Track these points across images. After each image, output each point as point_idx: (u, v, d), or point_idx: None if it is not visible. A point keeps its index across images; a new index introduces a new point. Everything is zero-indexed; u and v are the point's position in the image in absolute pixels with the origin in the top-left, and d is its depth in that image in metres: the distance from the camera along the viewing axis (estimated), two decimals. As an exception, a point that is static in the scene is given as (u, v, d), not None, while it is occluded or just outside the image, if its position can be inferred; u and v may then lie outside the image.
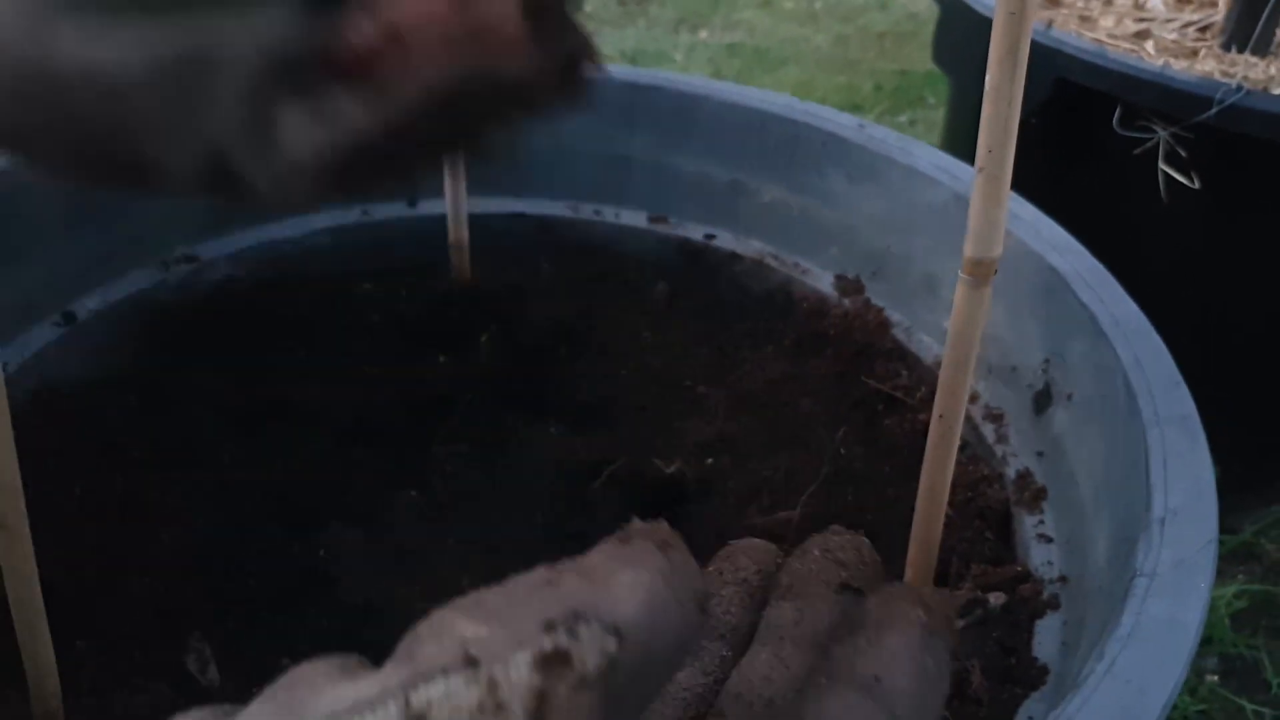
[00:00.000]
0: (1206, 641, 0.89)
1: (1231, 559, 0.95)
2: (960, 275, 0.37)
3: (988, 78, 0.32)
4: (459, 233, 0.64)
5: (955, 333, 0.38)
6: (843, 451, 0.62)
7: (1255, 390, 0.90)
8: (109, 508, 0.56)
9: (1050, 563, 0.48)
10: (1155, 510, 0.39)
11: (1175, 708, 0.83)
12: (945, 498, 0.43)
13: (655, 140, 0.66)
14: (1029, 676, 0.44)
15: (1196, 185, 0.76)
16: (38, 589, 0.36)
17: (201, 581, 0.56)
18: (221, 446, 0.60)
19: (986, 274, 0.37)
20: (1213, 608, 0.90)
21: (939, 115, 1.41)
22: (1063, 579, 0.47)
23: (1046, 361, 0.53)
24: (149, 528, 0.56)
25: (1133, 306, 0.49)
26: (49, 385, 0.58)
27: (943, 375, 0.40)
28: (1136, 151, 0.78)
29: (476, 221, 0.66)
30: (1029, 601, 0.47)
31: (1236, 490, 0.97)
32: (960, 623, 0.46)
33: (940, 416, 0.41)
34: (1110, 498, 0.44)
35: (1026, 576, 0.48)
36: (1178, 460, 0.41)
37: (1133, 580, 0.36)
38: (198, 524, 0.57)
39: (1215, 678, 0.87)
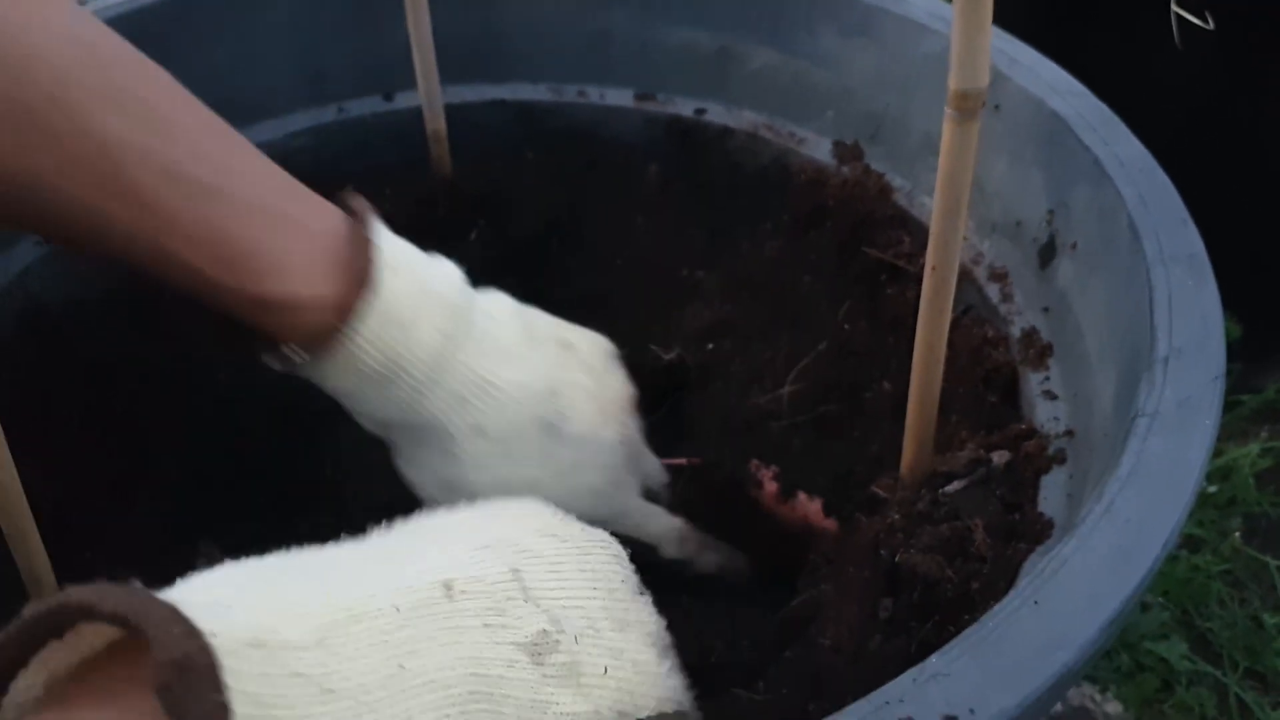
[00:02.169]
0: (1230, 501, 0.88)
1: (1255, 418, 0.93)
2: (947, 111, 0.35)
3: (960, -116, 0.30)
4: (436, 123, 0.62)
5: (945, 175, 0.36)
6: (846, 327, 0.61)
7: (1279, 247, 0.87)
8: (108, 428, 0.56)
9: (1056, 419, 0.47)
10: (1159, 350, 0.37)
11: (1198, 568, 0.83)
12: (942, 355, 0.42)
13: (637, 9, 0.63)
14: (1034, 531, 0.43)
15: (1211, 26, 0.72)
16: (20, 494, 0.36)
17: (208, 497, 0.56)
18: (216, 363, 0.59)
19: (975, 107, 0.35)
20: (1236, 468, 0.89)
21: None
22: (1069, 433, 0.46)
23: (1050, 212, 0.50)
24: (150, 447, 0.56)
25: (1138, 146, 0.47)
26: (36, 306, 0.58)
27: (934, 225, 0.38)
28: (1148, -5, 0.74)
29: (455, 112, 0.64)
30: (1034, 458, 0.46)
31: (1260, 349, 0.94)
32: (961, 483, 0.45)
33: (934, 269, 0.39)
34: (1117, 343, 0.43)
35: (1031, 434, 0.47)
36: (1183, 298, 0.39)
37: (1134, 421, 0.35)
38: (199, 442, 0.57)
39: (1239, 536, 0.86)
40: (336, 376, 0.44)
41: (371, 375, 0.43)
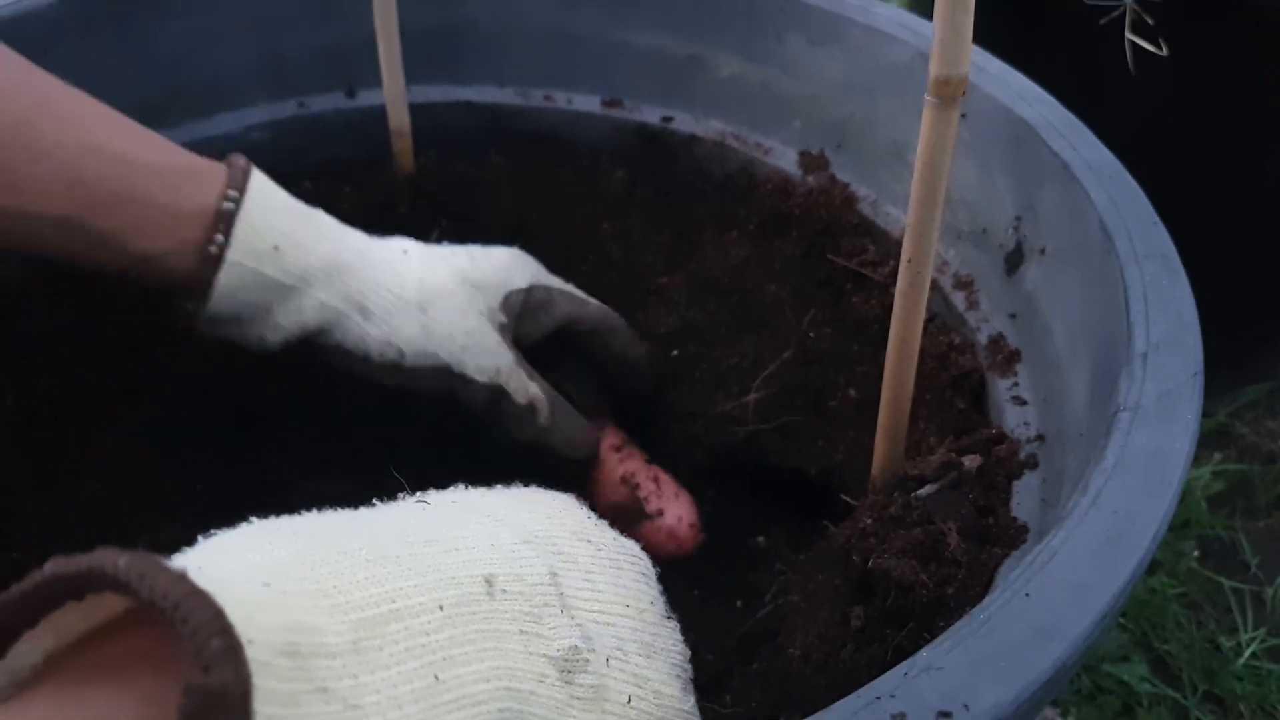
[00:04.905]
0: (1184, 524, 0.89)
1: (1206, 442, 0.95)
2: (927, 99, 0.35)
3: None
4: (399, 118, 0.60)
5: (923, 164, 0.36)
6: (811, 334, 0.60)
7: (1228, 272, 0.88)
8: (43, 411, 0.53)
9: (1026, 424, 0.47)
10: (1137, 345, 0.37)
11: (1155, 590, 0.83)
12: (916, 351, 0.41)
13: (605, 13, 0.63)
14: (1008, 536, 0.42)
15: (1165, 53, 0.73)
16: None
17: (147, 485, 0.53)
18: (160, 347, 0.57)
19: (955, 94, 0.34)
20: (1189, 490, 0.90)
21: None
22: (1040, 438, 0.45)
23: (1018, 219, 0.50)
24: (87, 430, 0.53)
25: (1106, 152, 0.47)
26: (-30, 289, 0.55)
27: (911, 215, 0.38)
28: (1103, 21, 0.75)
29: (420, 111, 0.62)
30: (1005, 462, 0.45)
31: (1210, 373, 0.96)
32: (933, 486, 0.44)
33: (909, 261, 0.38)
34: (1089, 343, 0.42)
35: (1002, 438, 0.46)
36: (1159, 295, 0.39)
37: (1116, 415, 0.35)
38: (139, 427, 0.54)
39: (1195, 558, 0.87)
40: (244, 270, 0.46)
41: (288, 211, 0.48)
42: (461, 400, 0.52)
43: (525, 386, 0.52)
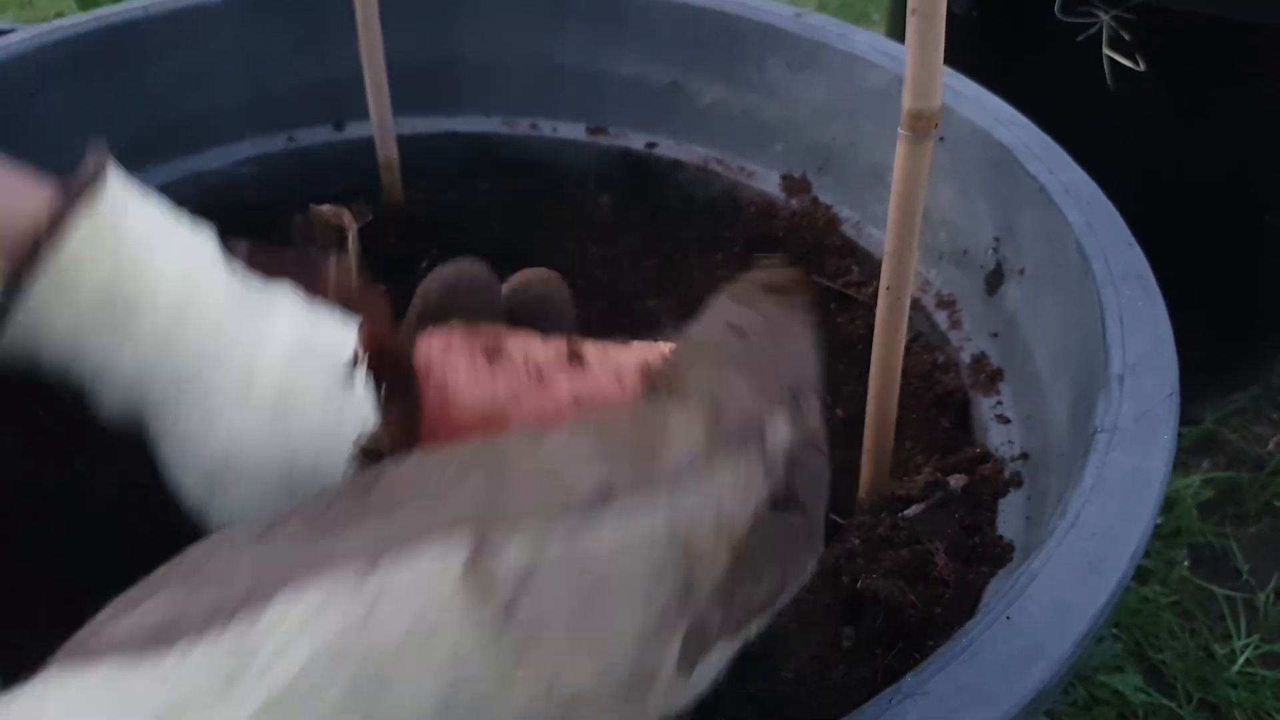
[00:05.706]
0: (1175, 532, 0.89)
1: (1194, 450, 0.95)
2: (900, 132, 0.35)
3: (915, -97, 0.30)
4: (388, 150, 0.61)
5: (899, 194, 0.36)
6: (798, 355, 0.61)
7: (1213, 280, 0.89)
8: (31, 449, 0.54)
9: (1010, 442, 0.47)
10: (1114, 367, 0.38)
11: (1147, 599, 0.84)
12: (898, 375, 0.42)
13: (588, 43, 0.64)
14: (994, 554, 0.43)
15: (1142, 68, 0.74)
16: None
17: (134, 525, 0.53)
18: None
19: (928, 127, 0.35)
20: (1179, 498, 0.90)
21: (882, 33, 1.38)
22: (1024, 456, 0.46)
23: (997, 240, 0.51)
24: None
25: (1082, 174, 0.48)
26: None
27: (889, 243, 0.38)
28: (1080, 38, 0.76)
29: (408, 143, 0.63)
30: (990, 481, 0.46)
31: (1196, 380, 0.96)
32: (920, 506, 0.45)
33: (888, 288, 0.39)
34: (1068, 364, 0.43)
35: (986, 457, 0.47)
36: (1134, 317, 0.39)
37: (1094, 436, 0.35)
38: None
39: (1186, 566, 0.87)
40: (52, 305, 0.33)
41: (92, 299, 0.33)
42: None
43: None
